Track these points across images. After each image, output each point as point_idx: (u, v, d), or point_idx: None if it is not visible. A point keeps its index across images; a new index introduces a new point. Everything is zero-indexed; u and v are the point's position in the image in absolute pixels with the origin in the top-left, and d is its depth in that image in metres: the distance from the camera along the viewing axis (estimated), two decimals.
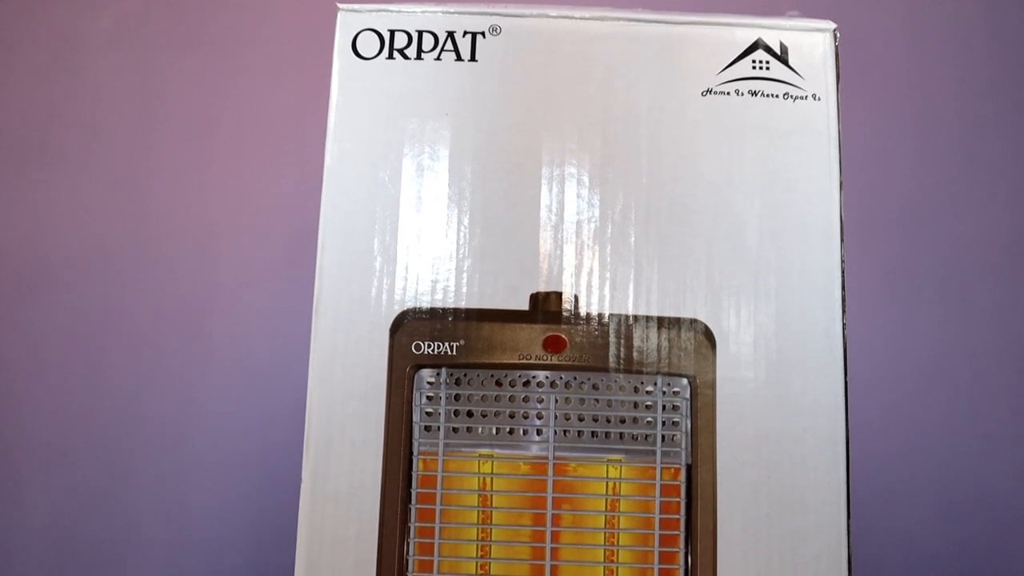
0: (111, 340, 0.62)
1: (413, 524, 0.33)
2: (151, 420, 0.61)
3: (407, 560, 0.32)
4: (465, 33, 0.35)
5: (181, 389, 0.62)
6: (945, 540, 0.60)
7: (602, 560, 0.33)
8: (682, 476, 0.33)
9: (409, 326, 0.33)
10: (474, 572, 0.33)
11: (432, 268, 0.34)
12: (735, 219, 0.34)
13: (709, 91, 0.35)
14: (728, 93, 0.35)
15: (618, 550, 0.33)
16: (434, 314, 0.33)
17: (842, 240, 0.35)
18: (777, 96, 0.35)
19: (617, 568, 0.33)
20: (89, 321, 0.63)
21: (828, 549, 0.33)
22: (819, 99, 0.35)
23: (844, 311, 0.35)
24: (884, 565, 0.59)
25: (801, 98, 0.35)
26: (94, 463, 0.61)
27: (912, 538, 0.59)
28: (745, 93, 0.35)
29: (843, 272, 0.35)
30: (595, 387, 0.33)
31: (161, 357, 0.62)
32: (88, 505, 0.61)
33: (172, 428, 0.61)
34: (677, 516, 0.33)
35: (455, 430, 0.33)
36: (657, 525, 0.33)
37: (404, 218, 0.34)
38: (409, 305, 0.33)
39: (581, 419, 0.33)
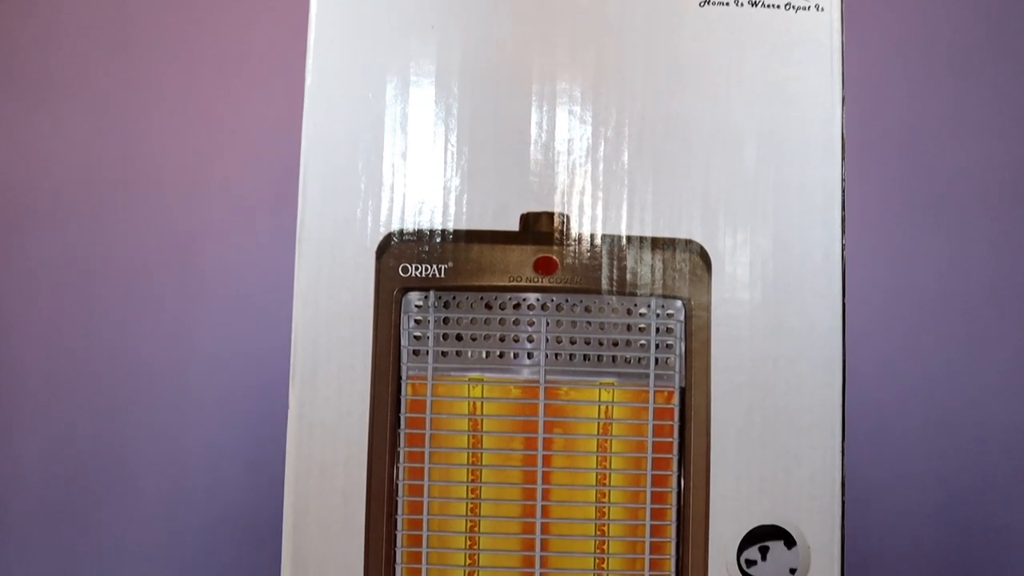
0: (101, 274, 0.61)
1: (402, 449, 0.32)
2: (144, 353, 0.61)
3: (397, 485, 0.32)
4: None
5: (173, 321, 0.61)
6: (937, 460, 0.60)
7: (594, 484, 0.32)
8: (675, 399, 0.33)
9: (395, 249, 0.32)
10: (464, 496, 0.32)
11: (418, 188, 0.33)
12: (733, 136, 0.33)
13: (707, 1, 0.33)
14: (727, 3, 0.34)
15: (610, 473, 0.32)
16: (421, 236, 0.32)
17: (843, 158, 0.34)
18: (778, 7, 0.34)
19: (609, 491, 0.32)
20: (77, 255, 0.62)
21: (822, 470, 0.33)
22: (822, 10, 0.34)
23: (843, 231, 0.34)
24: (877, 485, 0.59)
25: (803, 8, 0.34)
26: (88, 398, 0.61)
27: (904, 458, 0.60)
28: (745, 3, 0.34)
29: (843, 191, 0.34)
30: (587, 309, 0.32)
31: (152, 289, 0.61)
32: (83, 440, 0.61)
33: (166, 360, 0.61)
34: (670, 439, 0.32)
35: (444, 354, 0.32)
36: (650, 448, 0.32)
37: (389, 137, 0.33)
38: (395, 227, 0.32)
39: (573, 342, 0.32)
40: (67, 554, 0.61)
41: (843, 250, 0.34)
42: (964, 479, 0.60)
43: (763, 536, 0.32)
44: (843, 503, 0.33)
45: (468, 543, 0.32)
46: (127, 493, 0.61)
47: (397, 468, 0.32)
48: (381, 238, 0.32)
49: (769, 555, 0.32)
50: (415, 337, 0.32)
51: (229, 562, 0.60)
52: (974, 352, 0.60)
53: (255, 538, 0.60)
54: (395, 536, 0.32)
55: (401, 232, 0.32)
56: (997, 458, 0.60)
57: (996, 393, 0.60)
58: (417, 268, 0.32)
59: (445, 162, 0.33)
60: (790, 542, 0.32)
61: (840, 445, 0.33)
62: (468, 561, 0.32)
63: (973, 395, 0.60)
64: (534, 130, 0.33)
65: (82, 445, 0.61)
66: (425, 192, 0.33)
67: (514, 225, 0.32)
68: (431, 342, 0.32)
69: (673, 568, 0.32)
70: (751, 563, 0.32)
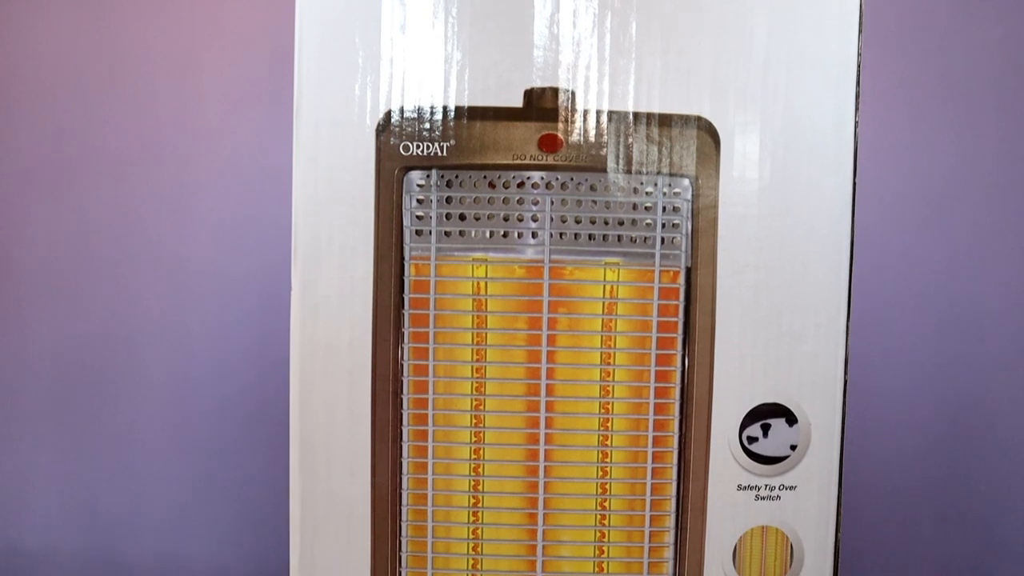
0: (97, 162, 0.60)
1: (407, 330, 0.32)
2: (143, 238, 0.60)
3: (402, 366, 0.32)
4: None
5: (171, 206, 0.60)
6: (938, 345, 0.61)
7: (598, 363, 0.32)
8: (681, 279, 0.32)
9: (396, 126, 0.31)
10: (470, 376, 0.32)
11: (419, 63, 0.31)
12: (745, 7, 0.32)
13: None
14: None
15: (615, 353, 0.32)
16: (422, 113, 0.31)
17: (860, 31, 0.32)
18: None
19: (614, 371, 0.32)
20: (72, 144, 0.60)
21: (825, 349, 0.33)
22: None
23: (858, 108, 0.33)
24: (879, 364, 0.60)
25: None
26: (91, 284, 0.61)
27: (905, 344, 0.60)
28: None
29: (859, 65, 0.33)
30: (592, 188, 0.32)
31: (148, 176, 0.60)
32: (89, 326, 0.61)
33: (166, 244, 0.60)
34: (675, 319, 0.32)
35: (447, 234, 0.32)
36: (655, 328, 0.32)
37: (387, 8, 0.31)
38: (395, 104, 0.31)
39: (578, 221, 0.32)
40: (77, 439, 0.62)
41: (856, 127, 0.33)
42: (962, 366, 0.61)
43: (765, 414, 0.33)
44: (845, 382, 0.33)
45: (473, 421, 0.32)
46: (134, 377, 0.61)
47: (402, 349, 0.32)
48: (381, 115, 0.31)
49: (770, 432, 0.33)
50: (417, 217, 0.32)
51: (238, 445, 0.61)
52: (981, 241, 0.60)
53: (263, 420, 0.61)
54: (401, 416, 0.32)
55: (401, 109, 0.31)
56: (996, 350, 0.60)
57: (1000, 286, 0.60)
58: (418, 146, 0.31)
59: (446, 35, 0.31)
60: (791, 419, 0.33)
61: (845, 325, 0.33)
62: (473, 439, 0.32)
63: (978, 285, 0.60)
64: (538, 1, 0.31)
65: (88, 331, 0.61)
66: (425, 67, 0.31)
67: (518, 101, 0.31)
68: (434, 222, 0.32)
69: (676, 445, 0.33)
70: (753, 440, 0.33)
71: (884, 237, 0.59)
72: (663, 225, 0.32)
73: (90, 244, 0.61)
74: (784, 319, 0.32)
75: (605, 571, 0.33)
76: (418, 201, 0.32)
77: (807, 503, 0.33)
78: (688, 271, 0.32)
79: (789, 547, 0.33)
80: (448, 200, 0.32)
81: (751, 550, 0.33)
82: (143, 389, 0.61)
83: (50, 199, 0.61)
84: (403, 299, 0.32)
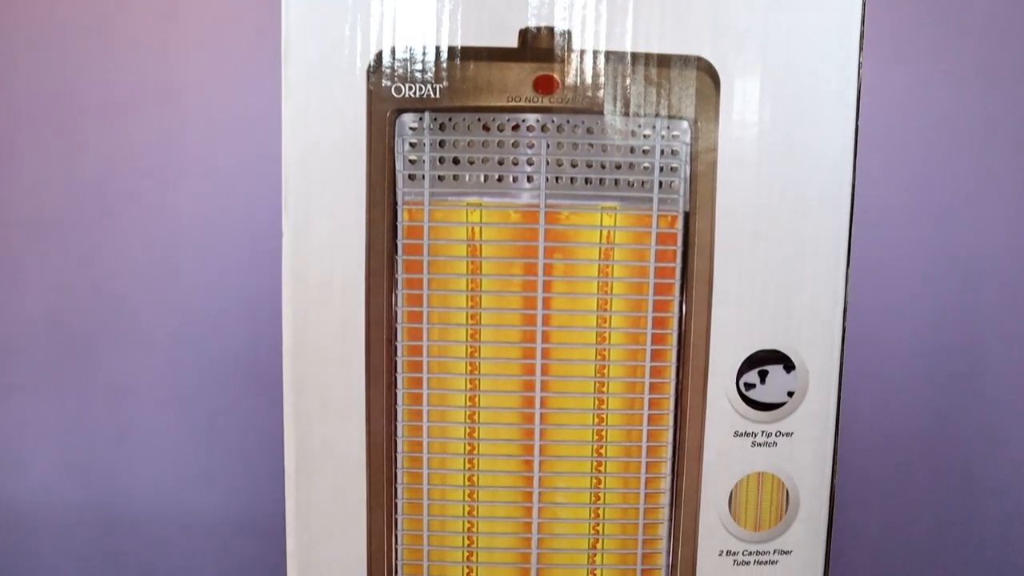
0: (81, 108, 0.59)
1: (400, 276, 0.32)
2: (132, 189, 0.60)
3: (395, 312, 0.32)
4: None
5: (159, 156, 0.59)
6: (934, 294, 0.60)
7: (595, 310, 0.32)
8: (679, 224, 0.32)
9: (387, 68, 0.31)
10: (464, 322, 0.32)
11: (411, 1, 0.30)
12: None
13: None
14: None
15: (611, 299, 0.32)
16: (414, 53, 0.30)
17: None
18: None
19: (610, 317, 0.32)
20: (57, 101, 0.59)
21: (824, 296, 0.32)
22: None
23: (862, 49, 0.32)
24: (880, 314, 0.60)
25: None
26: (82, 238, 0.60)
27: (905, 286, 0.60)
28: None
29: (864, 5, 0.32)
30: (589, 131, 0.31)
31: (136, 123, 0.59)
32: (81, 281, 0.61)
33: (155, 196, 0.60)
34: (673, 264, 0.32)
35: (441, 178, 0.31)
36: (652, 274, 0.32)
37: None
38: (387, 44, 0.30)
39: (574, 165, 0.31)
40: (73, 394, 0.62)
41: (860, 69, 0.32)
42: (959, 311, 0.60)
43: (762, 360, 0.32)
44: (844, 329, 0.33)
45: (468, 368, 0.32)
46: (128, 332, 0.61)
47: (395, 295, 0.32)
48: (372, 57, 0.30)
49: (768, 379, 0.32)
50: (410, 161, 0.31)
51: (233, 396, 0.61)
52: (981, 190, 0.59)
53: (258, 371, 0.61)
54: (395, 362, 0.32)
55: (393, 50, 0.30)
56: (995, 292, 0.60)
57: (1000, 228, 0.60)
58: (411, 88, 0.31)
59: None
60: (789, 366, 0.32)
61: (845, 271, 0.33)
62: (468, 386, 0.32)
63: (977, 234, 0.60)
64: None
65: (80, 286, 0.61)
66: (417, 5, 0.30)
67: (512, 41, 0.31)
68: (427, 166, 0.31)
69: (672, 392, 0.32)
70: (750, 386, 0.32)
71: (884, 184, 0.58)
72: (661, 169, 0.31)
73: (80, 194, 0.60)
74: (783, 267, 0.32)
75: (600, 516, 0.33)
76: (411, 145, 0.31)
77: (803, 449, 0.33)
78: (686, 216, 0.32)
79: (785, 493, 0.33)
80: (441, 143, 0.31)
81: (747, 496, 0.33)
82: (137, 342, 0.61)
83: (38, 149, 0.60)
84: (396, 245, 0.31)
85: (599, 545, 0.33)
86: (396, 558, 0.33)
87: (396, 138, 0.31)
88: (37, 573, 0.64)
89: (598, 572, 0.33)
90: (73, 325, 0.61)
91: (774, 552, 0.34)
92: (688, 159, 0.31)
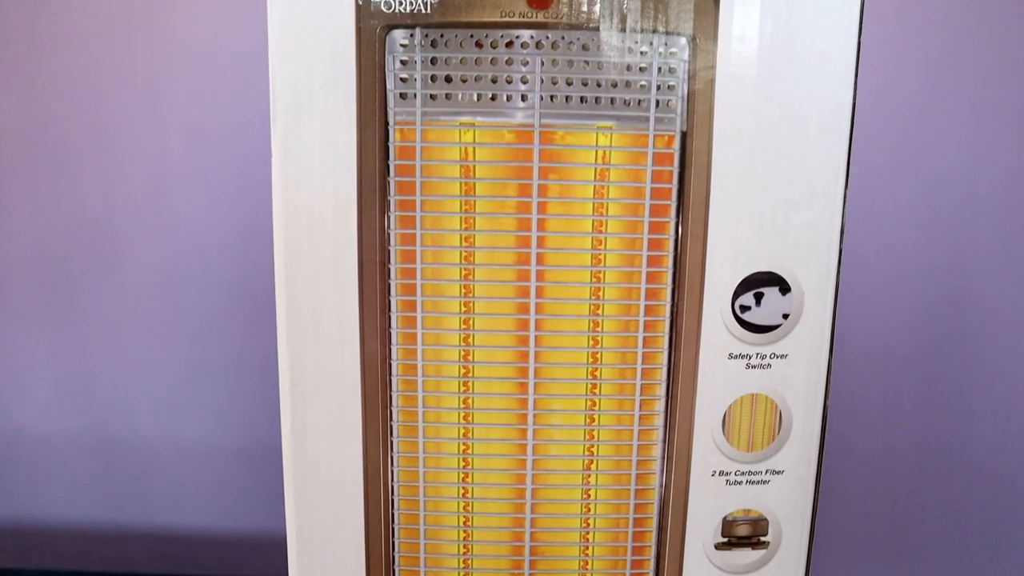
0: (68, 38, 0.58)
1: (393, 198, 0.31)
2: (121, 120, 0.59)
3: (388, 235, 0.31)
4: None
5: (147, 84, 0.58)
6: (930, 219, 0.60)
7: (590, 231, 0.32)
8: (676, 143, 0.31)
9: None
10: (458, 245, 0.32)
11: None
12: None
13: None
14: None
15: (607, 221, 0.32)
16: None
17: None
18: None
19: (606, 239, 0.32)
20: (42, 31, 0.58)
21: (822, 217, 0.32)
22: None
23: None
24: (873, 234, 0.60)
25: None
26: (72, 170, 0.60)
27: (897, 217, 0.60)
28: None
29: None
30: (584, 48, 0.30)
31: (123, 60, 0.58)
32: (72, 213, 0.60)
33: (144, 126, 0.59)
34: (669, 185, 0.31)
35: (433, 97, 0.31)
36: (648, 195, 0.31)
37: None
38: None
39: (569, 83, 0.31)
40: (66, 326, 0.62)
41: None
42: (952, 233, 0.60)
43: (758, 282, 0.32)
44: (840, 251, 0.33)
45: (463, 291, 0.32)
46: (120, 261, 0.61)
47: (388, 218, 0.31)
48: None
49: (763, 301, 0.32)
50: (401, 79, 0.30)
51: (226, 322, 0.61)
52: (979, 117, 0.58)
53: (250, 297, 0.60)
54: (388, 286, 0.32)
55: None
56: (985, 217, 0.60)
57: (994, 153, 0.59)
58: (401, 3, 0.30)
59: None
60: (785, 288, 0.32)
61: (843, 192, 0.32)
62: (463, 308, 0.32)
63: (973, 161, 0.59)
64: None
65: (69, 216, 0.60)
66: None
67: None
68: (419, 84, 0.30)
69: (668, 314, 0.32)
70: (745, 308, 0.32)
71: (883, 110, 0.58)
72: (658, 87, 0.31)
73: (68, 124, 0.59)
74: (781, 186, 0.31)
75: (595, 438, 0.33)
76: (402, 62, 0.30)
77: (797, 371, 0.33)
78: (683, 136, 0.31)
79: (778, 414, 0.33)
80: (433, 61, 0.30)
81: (740, 417, 0.33)
82: (129, 272, 0.61)
83: (25, 79, 0.58)
84: (388, 166, 0.31)
85: (593, 466, 0.33)
86: (392, 479, 0.33)
87: (387, 55, 0.30)
88: (34, 497, 0.65)
89: (592, 492, 0.34)
90: (63, 255, 0.61)
91: (766, 472, 0.34)
92: (686, 77, 0.31)
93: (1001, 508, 0.66)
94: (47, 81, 0.58)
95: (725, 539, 0.34)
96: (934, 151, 0.59)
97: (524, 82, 0.30)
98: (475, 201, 0.31)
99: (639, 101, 0.31)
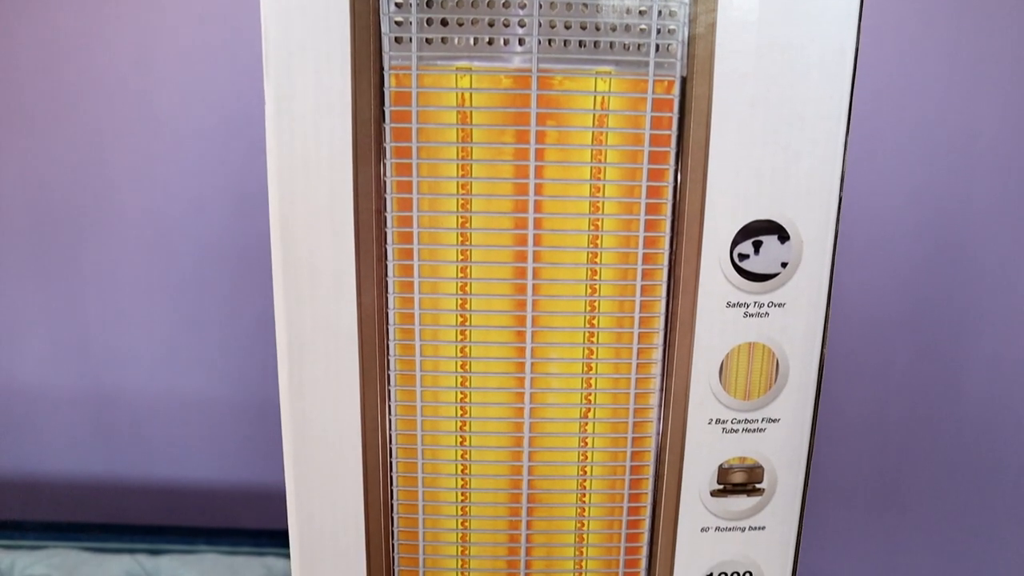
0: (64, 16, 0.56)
1: (388, 144, 0.31)
2: (112, 79, 0.58)
3: (384, 182, 0.31)
4: None
5: (135, 36, 0.57)
6: (929, 173, 0.60)
7: (588, 178, 0.31)
8: (676, 89, 0.31)
9: None
10: (455, 192, 0.31)
11: None
12: None
13: None
14: None
15: (605, 168, 0.31)
16: None
17: None
18: None
19: (604, 186, 0.31)
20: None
21: (822, 164, 0.32)
22: None
23: None
24: (873, 190, 0.59)
25: None
26: (59, 127, 0.59)
27: (897, 170, 0.60)
28: None
29: None
30: None
31: (109, 5, 0.57)
32: (65, 169, 0.59)
33: (134, 81, 0.58)
34: (668, 132, 0.31)
35: (428, 41, 0.30)
36: (647, 141, 0.31)
37: None
38: None
39: (568, 27, 0.30)
40: (60, 281, 0.61)
41: None
42: (949, 198, 0.60)
43: (757, 231, 0.32)
44: (840, 199, 0.33)
45: (460, 239, 0.32)
46: (113, 216, 0.60)
47: (384, 164, 0.31)
48: None
49: (762, 249, 0.32)
50: (396, 23, 0.30)
51: (221, 275, 0.61)
52: (979, 58, 0.58)
53: (245, 250, 0.60)
54: (385, 234, 0.31)
55: None
56: (987, 170, 0.60)
57: (995, 120, 0.59)
58: None
59: None
60: (784, 237, 0.32)
61: (844, 139, 0.32)
62: (460, 256, 0.32)
63: (973, 116, 0.59)
64: None
65: (62, 171, 0.59)
66: None
67: None
68: (414, 28, 0.30)
69: (666, 262, 0.32)
70: (743, 257, 0.32)
71: (880, 55, 0.57)
72: (658, 31, 0.30)
73: (59, 78, 0.58)
74: (781, 134, 0.31)
75: (593, 386, 0.33)
76: (396, 5, 0.30)
77: (795, 320, 0.33)
78: (683, 81, 0.31)
79: (775, 363, 0.33)
80: (429, 3, 0.30)
81: (737, 365, 0.33)
82: (122, 227, 0.60)
83: (13, 37, 0.57)
84: (383, 112, 0.30)
85: (591, 414, 0.34)
86: (390, 428, 0.33)
87: None
88: (33, 449, 0.65)
89: (589, 440, 0.34)
90: (57, 211, 0.60)
91: (762, 420, 0.34)
92: (687, 20, 0.30)
93: (990, 455, 0.67)
94: (34, 38, 0.57)
95: (721, 486, 0.35)
96: (938, 109, 0.58)
97: (522, 26, 0.30)
98: (472, 148, 0.31)
99: (639, 45, 0.30)
